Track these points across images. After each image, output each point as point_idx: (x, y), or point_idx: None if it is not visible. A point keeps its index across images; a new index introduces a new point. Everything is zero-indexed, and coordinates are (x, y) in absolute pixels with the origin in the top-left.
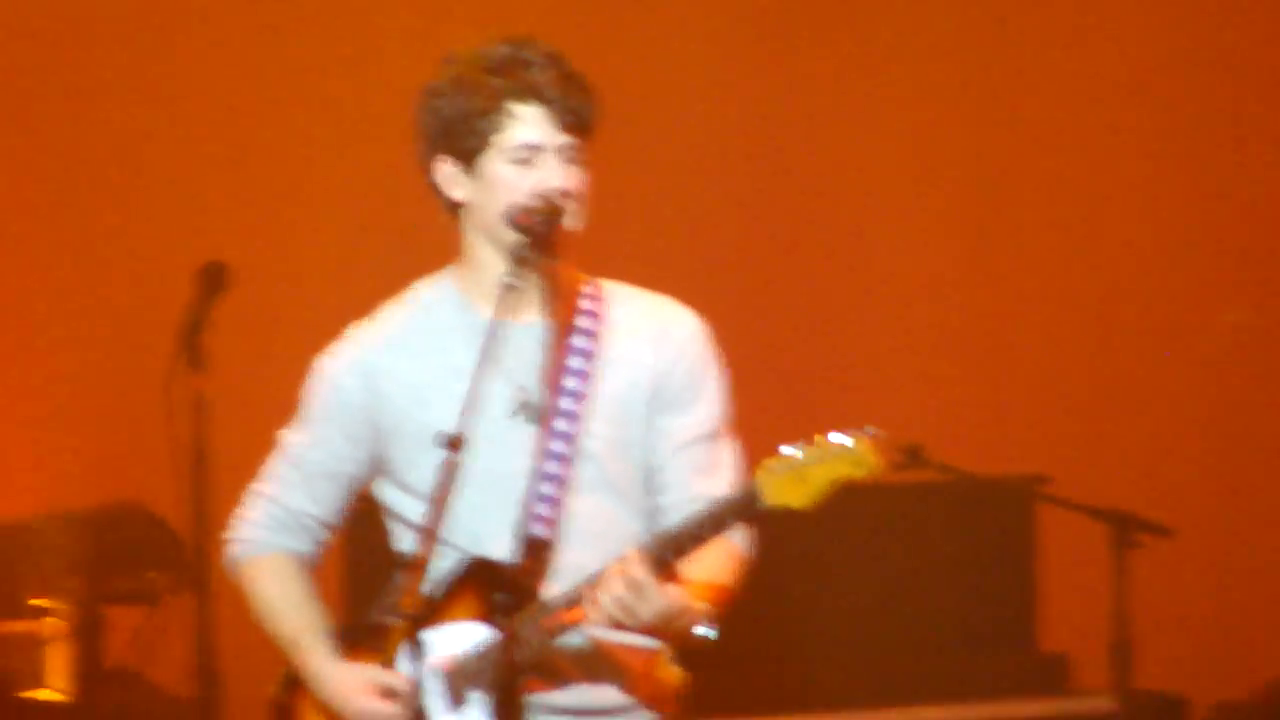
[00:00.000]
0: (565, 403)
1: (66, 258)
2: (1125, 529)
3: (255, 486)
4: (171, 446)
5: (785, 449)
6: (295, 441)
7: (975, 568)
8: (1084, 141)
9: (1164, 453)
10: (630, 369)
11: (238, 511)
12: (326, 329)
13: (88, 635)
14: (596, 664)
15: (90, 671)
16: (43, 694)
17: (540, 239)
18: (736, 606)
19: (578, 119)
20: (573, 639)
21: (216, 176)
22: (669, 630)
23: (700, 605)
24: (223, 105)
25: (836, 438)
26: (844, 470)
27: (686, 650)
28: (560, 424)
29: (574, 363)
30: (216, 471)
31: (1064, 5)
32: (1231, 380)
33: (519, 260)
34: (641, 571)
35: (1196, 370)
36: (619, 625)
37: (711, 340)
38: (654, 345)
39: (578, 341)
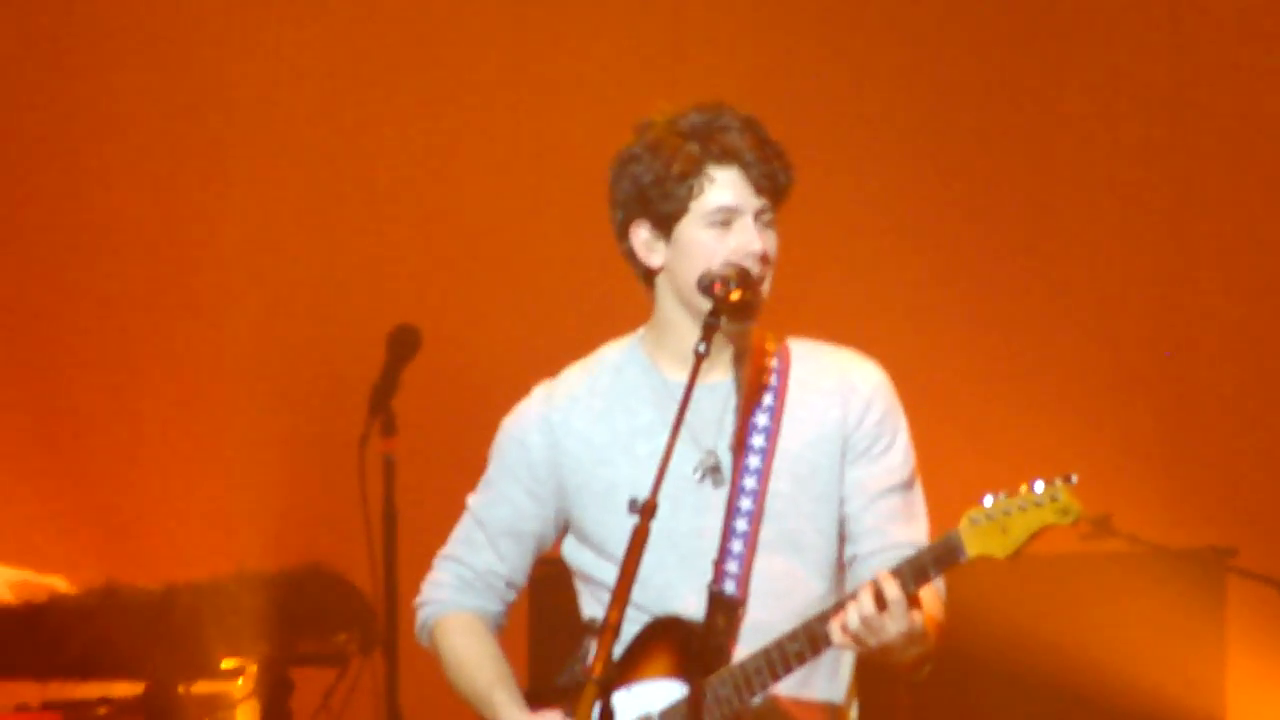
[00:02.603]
0: (751, 461)
1: (258, 321)
2: None
3: (443, 551)
4: (361, 509)
5: (987, 499)
6: (481, 501)
7: (1163, 640)
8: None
9: None
10: (816, 425)
11: (427, 577)
12: (516, 392)
13: (276, 697)
14: None
15: None
16: None
17: (732, 308)
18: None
19: (773, 182)
20: (759, 698)
21: (408, 241)
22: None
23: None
24: (414, 171)
25: (1039, 487)
26: (1048, 519)
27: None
28: (747, 482)
29: (759, 421)
30: (405, 534)
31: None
32: None
33: (709, 328)
34: (896, 590)
35: None
36: (858, 643)
37: (894, 390)
38: (841, 400)
39: (763, 400)
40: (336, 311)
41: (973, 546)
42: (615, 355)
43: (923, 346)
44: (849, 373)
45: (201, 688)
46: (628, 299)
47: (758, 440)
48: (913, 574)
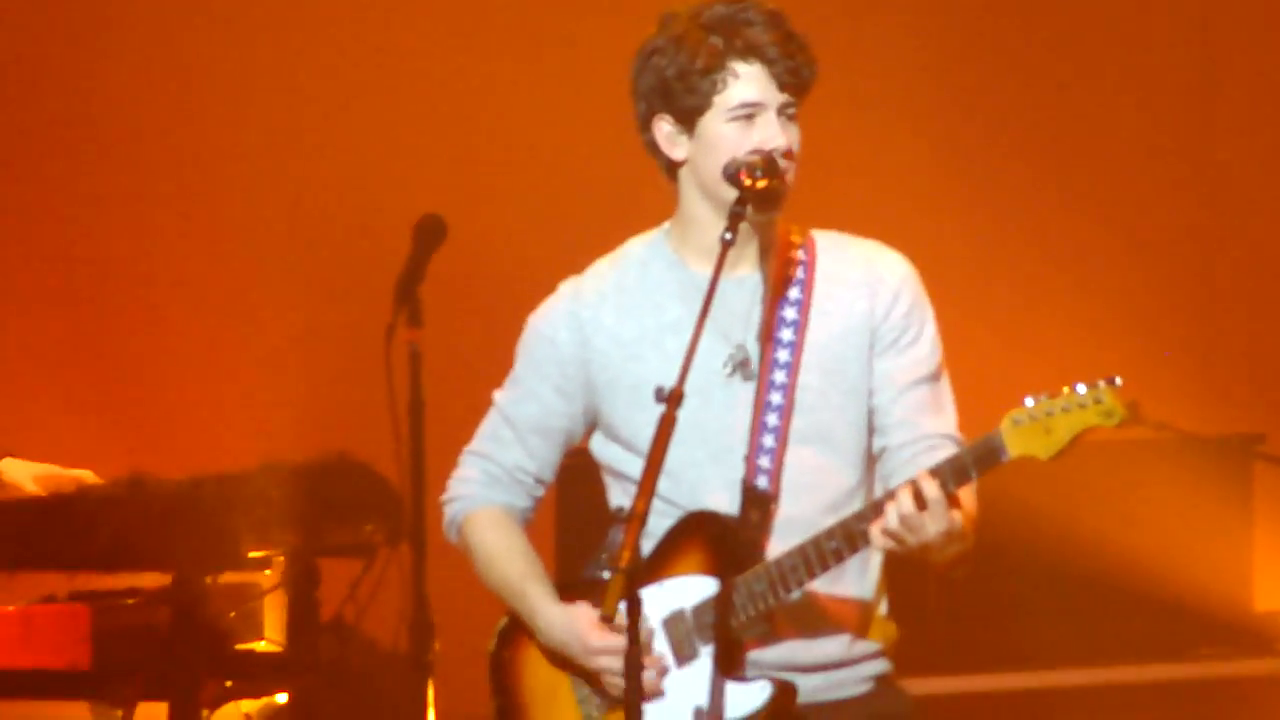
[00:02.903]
0: (780, 354)
1: (284, 211)
2: None
3: (470, 447)
4: (388, 400)
5: (1028, 400)
6: (509, 398)
7: (1191, 527)
8: None
9: None
10: (844, 317)
11: (454, 473)
12: (543, 284)
13: (303, 587)
14: (815, 619)
15: (305, 623)
16: (259, 645)
17: (758, 196)
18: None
19: (797, 77)
20: (793, 594)
21: (434, 130)
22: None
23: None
24: (439, 60)
25: (1082, 389)
26: (1092, 420)
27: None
28: (776, 376)
29: (786, 314)
30: (432, 425)
31: None
32: None
33: (735, 217)
34: (936, 490)
35: None
36: (898, 543)
37: (920, 281)
38: (868, 291)
39: (790, 293)
40: (362, 201)
41: (1015, 446)
42: (642, 250)
43: (949, 235)
44: (876, 264)
45: (229, 578)
46: (654, 191)
47: (786, 333)
48: (953, 474)
